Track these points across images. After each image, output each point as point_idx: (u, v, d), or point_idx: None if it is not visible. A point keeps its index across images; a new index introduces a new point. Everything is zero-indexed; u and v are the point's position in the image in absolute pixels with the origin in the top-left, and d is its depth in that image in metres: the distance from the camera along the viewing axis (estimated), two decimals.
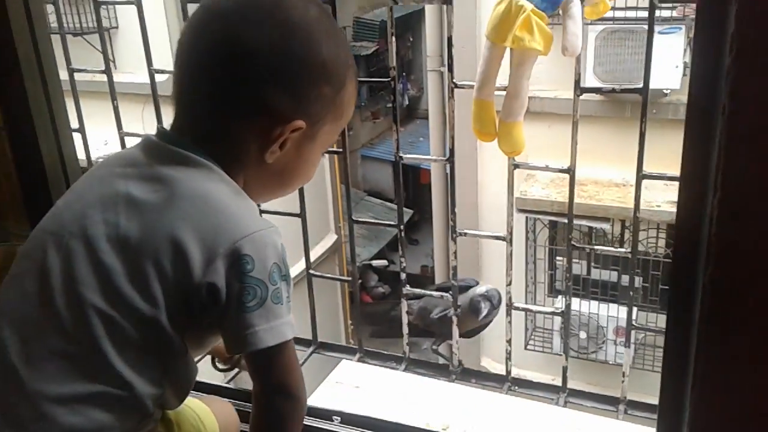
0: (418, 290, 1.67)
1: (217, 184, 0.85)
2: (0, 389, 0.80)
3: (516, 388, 1.65)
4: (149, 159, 0.87)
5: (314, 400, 1.60)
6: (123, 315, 0.79)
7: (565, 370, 1.59)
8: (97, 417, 0.79)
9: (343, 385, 1.64)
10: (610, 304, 5.38)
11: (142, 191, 0.83)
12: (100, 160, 0.97)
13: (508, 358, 1.64)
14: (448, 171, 1.52)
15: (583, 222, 5.12)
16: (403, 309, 1.69)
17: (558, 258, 5.58)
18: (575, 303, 5.33)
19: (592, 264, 5.56)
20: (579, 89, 1.39)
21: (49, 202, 1.35)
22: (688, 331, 0.74)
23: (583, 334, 5.48)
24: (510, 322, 1.61)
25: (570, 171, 1.45)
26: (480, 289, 1.88)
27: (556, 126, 4.70)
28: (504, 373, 1.67)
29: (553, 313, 1.59)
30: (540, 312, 1.57)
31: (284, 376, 0.86)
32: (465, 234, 1.57)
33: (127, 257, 0.80)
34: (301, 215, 1.67)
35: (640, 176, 1.38)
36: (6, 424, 0.78)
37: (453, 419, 1.52)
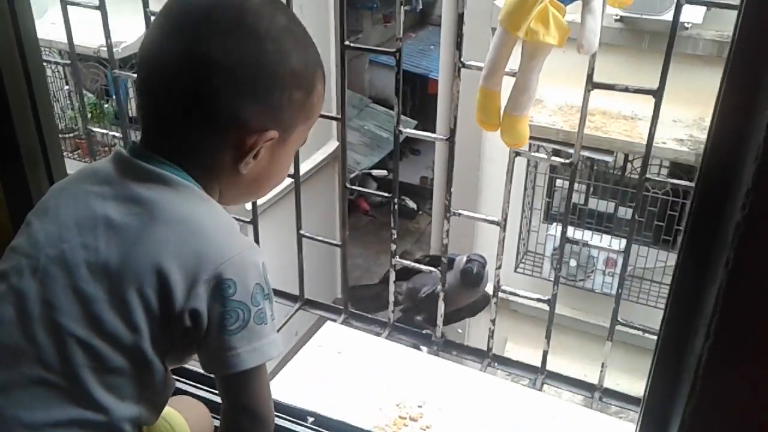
0: (406, 262, 1.66)
1: (195, 206, 0.83)
2: None
3: (495, 364, 1.67)
4: (124, 177, 0.83)
5: (296, 364, 1.63)
6: (105, 343, 0.78)
7: (545, 354, 1.61)
8: None
9: (325, 349, 1.66)
10: (603, 235, 5.41)
11: (120, 214, 0.81)
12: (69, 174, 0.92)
13: (491, 336, 1.65)
14: (447, 152, 1.46)
15: (586, 153, 5.05)
16: (391, 278, 1.68)
17: (557, 185, 5.56)
18: (569, 231, 5.38)
19: (590, 194, 5.54)
20: (591, 84, 1.31)
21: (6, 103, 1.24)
22: (703, 275, 0.69)
23: (573, 262, 5.54)
24: (496, 303, 1.61)
25: (572, 165, 1.40)
26: (463, 258, 1.85)
27: (570, 50, 4.55)
28: (485, 346, 1.69)
29: (539, 300, 1.57)
30: (527, 297, 1.57)
31: (255, 398, 0.87)
32: (459, 214, 1.54)
33: (108, 285, 0.79)
34: (295, 177, 1.63)
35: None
36: None
37: (429, 396, 1.55)
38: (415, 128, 8.14)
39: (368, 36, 8.22)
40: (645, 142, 1.35)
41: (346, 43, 1.45)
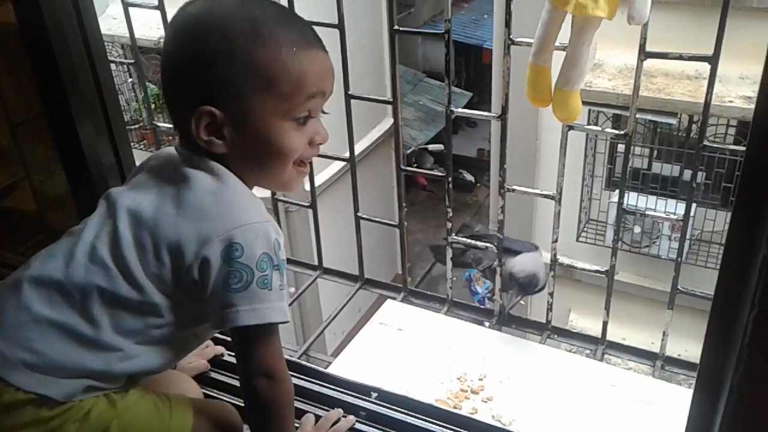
0: (462, 239, 1.68)
1: (220, 182, 0.94)
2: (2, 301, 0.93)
3: (555, 336, 1.68)
4: (178, 162, 0.97)
5: (359, 342, 1.69)
6: (118, 270, 0.91)
7: (605, 324, 1.61)
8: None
9: (387, 326, 1.71)
10: (669, 200, 5.27)
11: (167, 182, 0.95)
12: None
13: (549, 309, 1.66)
14: (500, 129, 1.48)
15: (648, 116, 4.91)
16: (448, 256, 1.71)
17: (619, 150, 5.42)
18: (632, 198, 5.27)
19: (654, 158, 5.40)
20: (644, 53, 1.30)
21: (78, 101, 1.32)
22: (754, 234, 0.68)
23: (637, 229, 5.43)
24: (554, 277, 1.62)
25: (627, 136, 1.39)
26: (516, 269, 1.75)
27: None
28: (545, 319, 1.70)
29: (597, 272, 1.58)
30: (584, 270, 1.58)
31: (267, 358, 0.94)
32: (513, 190, 1.55)
33: (134, 228, 0.92)
34: (351, 160, 1.67)
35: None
36: None
37: (490, 369, 1.59)
38: (471, 100, 8.07)
39: (420, 10, 8.11)
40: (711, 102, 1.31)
41: (396, 27, 1.47)
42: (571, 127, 1.44)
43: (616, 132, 1.44)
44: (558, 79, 1.32)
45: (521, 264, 1.57)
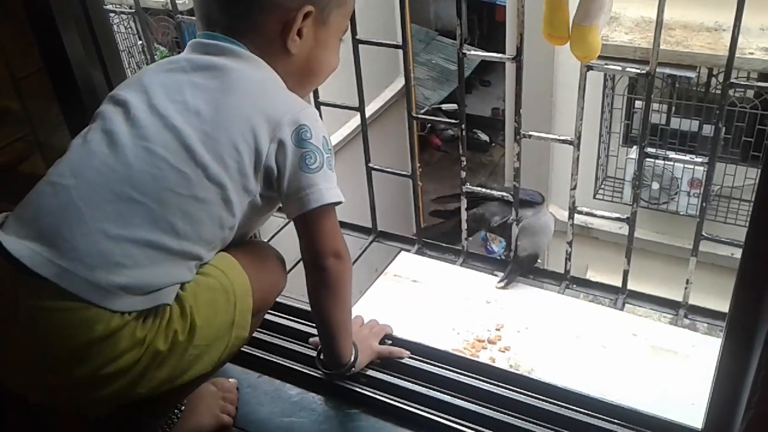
0: (477, 188, 1.63)
1: (265, 71, 0.96)
2: (61, 227, 0.84)
3: (574, 286, 1.65)
4: (200, 54, 0.96)
5: (373, 294, 1.67)
6: (195, 170, 0.87)
7: (625, 273, 1.57)
8: (143, 261, 0.84)
9: (401, 278, 1.68)
10: (687, 155, 5.17)
11: (202, 78, 0.93)
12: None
13: (568, 258, 1.62)
14: (515, 71, 1.42)
15: (667, 70, 4.78)
16: (463, 206, 1.67)
17: (637, 106, 5.31)
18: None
19: (672, 113, 5.28)
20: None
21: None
22: None
23: (655, 185, 5.34)
24: (572, 225, 1.57)
25: (648, 75, 1.33)
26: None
27: None
28: (562, 269, 1.66)
29: (618, 219, 1.53)
30: (603, 217, 1.53)
31: (335, 238, 0.98)
32: (530, 136, 1.50)
33: (199, 124, 0.89)
34: (360, 109, 1.63)
35: None
36: (62, 256, 0.82)
37: (507, 319, 1.56)
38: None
39: None
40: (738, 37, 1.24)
41: None
42: (590, 68, 1.38)
43: (638, 71, 1.38)
44: (576, 14, 1.26)
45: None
